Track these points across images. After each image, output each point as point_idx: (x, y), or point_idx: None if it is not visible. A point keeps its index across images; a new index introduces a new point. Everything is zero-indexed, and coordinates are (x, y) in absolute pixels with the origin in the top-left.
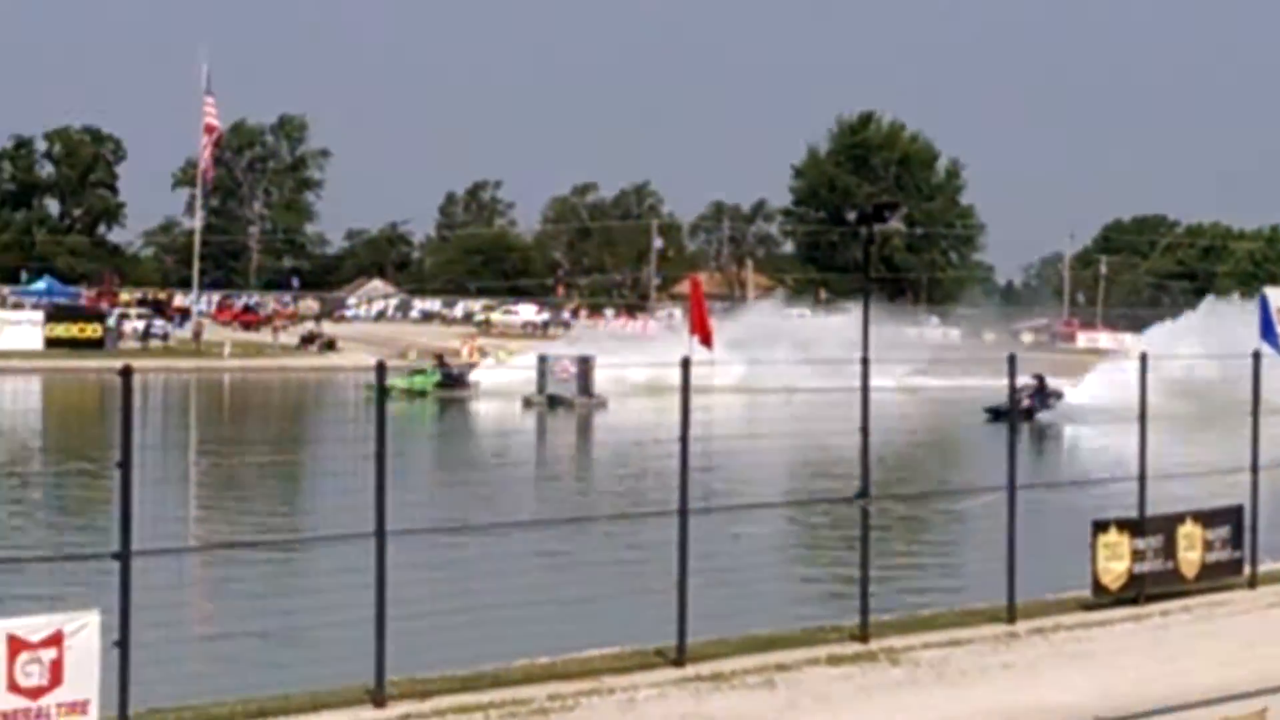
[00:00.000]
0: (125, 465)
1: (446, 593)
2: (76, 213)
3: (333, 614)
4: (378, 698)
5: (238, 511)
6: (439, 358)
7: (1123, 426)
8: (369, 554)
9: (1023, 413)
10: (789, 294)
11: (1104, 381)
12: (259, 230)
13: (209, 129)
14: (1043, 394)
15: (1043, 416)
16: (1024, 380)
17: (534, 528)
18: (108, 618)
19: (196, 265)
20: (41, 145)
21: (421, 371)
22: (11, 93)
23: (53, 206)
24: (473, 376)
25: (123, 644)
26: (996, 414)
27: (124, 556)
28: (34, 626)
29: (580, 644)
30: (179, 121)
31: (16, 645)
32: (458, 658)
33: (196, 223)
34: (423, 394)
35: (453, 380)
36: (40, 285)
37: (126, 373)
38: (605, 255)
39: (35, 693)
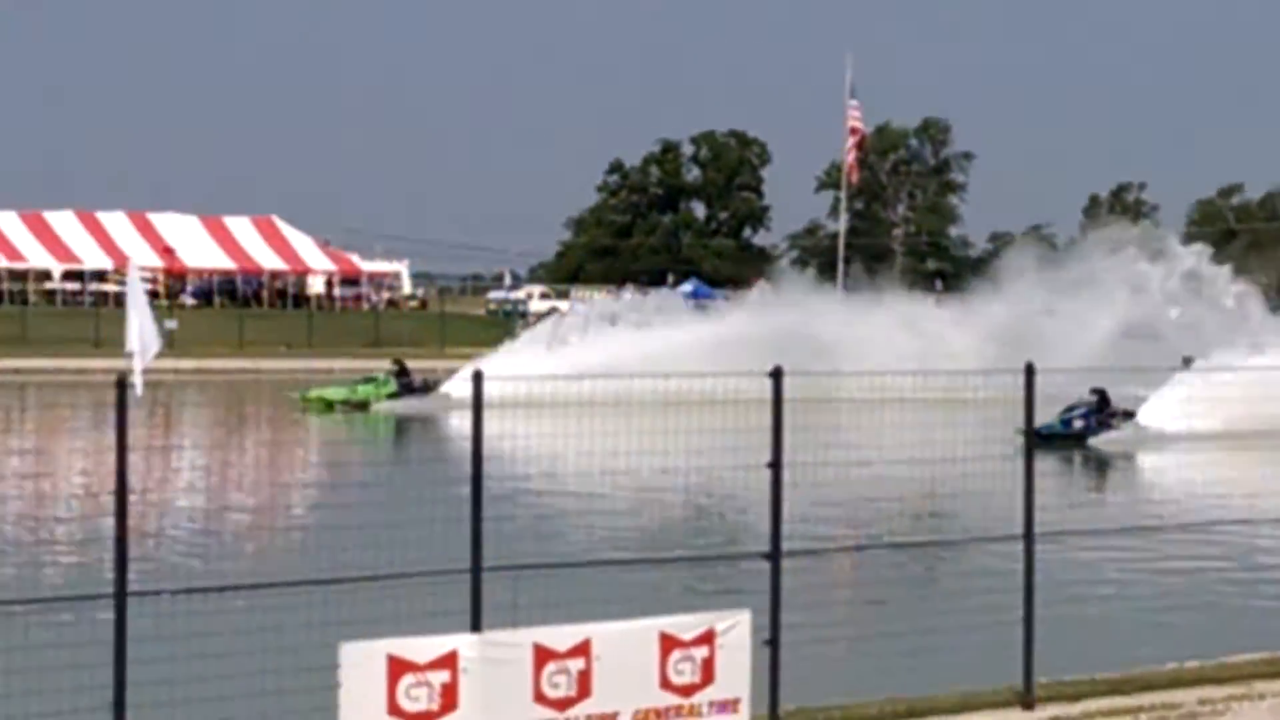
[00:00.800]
0: (776, 465)
1: (1096, 594)
2: (722, 216)
3: (977, 615)
4: (1026, 700)
5: (882, 509)
6: (399, 364)
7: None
8: (1017, 556)
9: (1073, 436)
10: None
11: (1187, 397)
12: (902, 233)
13: (853, 132)
14: (1102, 414)
15: (1096, 441)
16: (1084, 395)
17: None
18: (756, 617)
19: (840, 268)
20: (688, 149)
21: (373, 379)
22: (660, 98)
23: (699, 210)
24: (444, 388)
25: (773, 642)
26: (1038, 437)
27: (774, 556)
28: (686, 625)
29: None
30: (823, 125)
31: (669, 643)
32: (1107, 660)
33: (841, 226)
34: (363, 406)
35: (413, 390)
36: (687, 288)
37: (777, 374)
38: (1251, 258)
39: (687, 690)
